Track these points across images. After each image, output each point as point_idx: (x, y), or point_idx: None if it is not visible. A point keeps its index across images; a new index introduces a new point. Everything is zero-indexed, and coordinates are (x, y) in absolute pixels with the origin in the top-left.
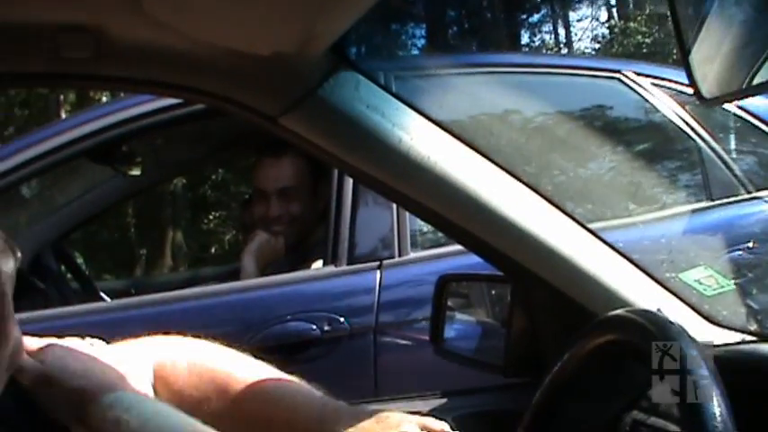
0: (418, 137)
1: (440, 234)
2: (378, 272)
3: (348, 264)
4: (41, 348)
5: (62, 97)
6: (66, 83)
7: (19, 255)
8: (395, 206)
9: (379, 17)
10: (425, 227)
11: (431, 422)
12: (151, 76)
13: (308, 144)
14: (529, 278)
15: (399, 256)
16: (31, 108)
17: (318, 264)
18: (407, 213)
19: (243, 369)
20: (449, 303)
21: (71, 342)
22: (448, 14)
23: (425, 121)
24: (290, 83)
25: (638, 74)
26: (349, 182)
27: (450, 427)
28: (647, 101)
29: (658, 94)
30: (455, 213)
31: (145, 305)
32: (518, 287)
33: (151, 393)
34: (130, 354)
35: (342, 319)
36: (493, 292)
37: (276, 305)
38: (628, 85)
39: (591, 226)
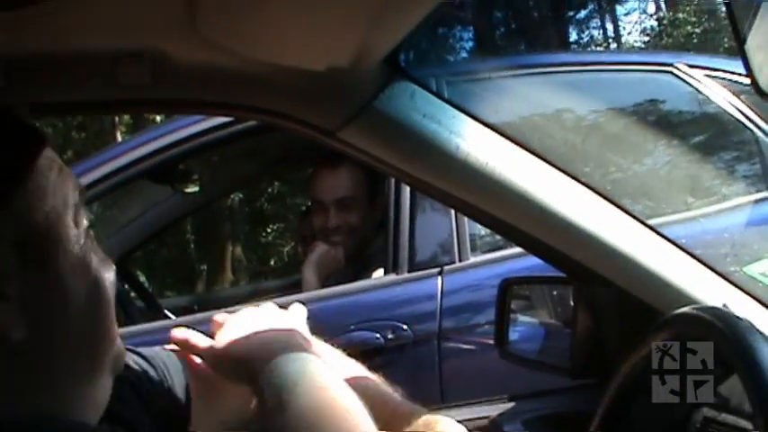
0: (475, 143)
1: (498, 237)
2: (439, 278)
3: (409, 271)
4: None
5: (117, 119)
6: (125, 109)
7: (113, 266)
8: (453, 211)
9: (427, 23)
10: (484, 230)
11: None
12: (208, 97)
13: (366, 156)
14: (591, 278)
15: (460, 261)
16: (88, 131)
17: (379, 272)
18: (466, 218)
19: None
20: (512, 306)
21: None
22: (494, 16)
23: (481, 126)
24: (346, 97)
25: (691, 66)
26: (406, 189)
27: None
28: (700, 93)
29: (712, 86)
30: (515, 217)
31: (209, 321)
32: (581, 288)
33: None
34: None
35: (405, 327)
36: (554, 292)
37: (339, 315)
38: (681, 78)
39: (651, 222)
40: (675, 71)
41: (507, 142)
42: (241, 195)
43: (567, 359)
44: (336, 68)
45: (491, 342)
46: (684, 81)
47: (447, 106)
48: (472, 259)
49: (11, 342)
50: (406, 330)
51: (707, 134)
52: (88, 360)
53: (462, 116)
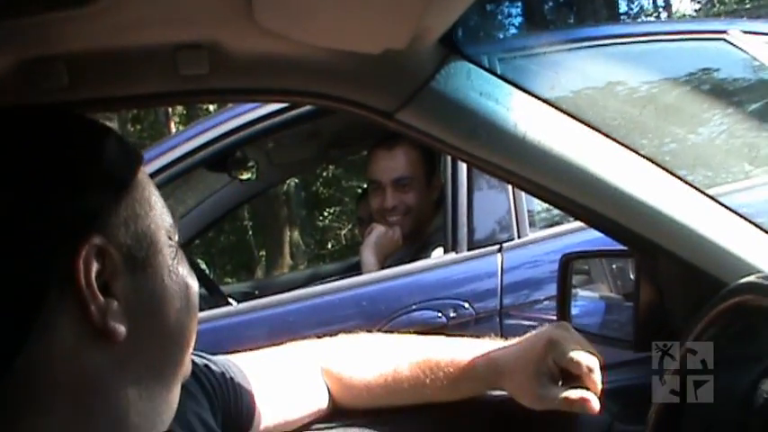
0: (533, 119)
1: (556, 212)
2: (498, 255)
3: (468, 249)
4: None
5: (171, 110)
6: (185, 99)
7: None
8: (510, 188)
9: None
10: (541, 206)
11: None
12: (266, 84)
13: (425, 137)
14: (653, 250)
15: (518, 237)
16: (142, 122)
17: (439, 252)
18: (523, 194)
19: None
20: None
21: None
22: None
23: (538, 102)
24: (402, 78)
25: (745, 32)
26: (463, 168)
27: None
28: (755, 59)
29: (767, 52)
30: (576, 191)
31: (271, 306)
32: (643, 260)
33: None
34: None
35: (466, 305)
36: (614, 266)
37: (400, 296)
38: (734, 45)
39: (710, 191)
40: (729, 38)
41: (565, 117)
42: (297, 180)
43: (629, 332)
44: (393, 51)
45: (552, 317)
46: (738, 48)
47: (503, 84)
48: (531, 235)
49: (112, 340)
50: (467, 308)
51: (763, 101)
52: (174, 364)
53: (519, 93)
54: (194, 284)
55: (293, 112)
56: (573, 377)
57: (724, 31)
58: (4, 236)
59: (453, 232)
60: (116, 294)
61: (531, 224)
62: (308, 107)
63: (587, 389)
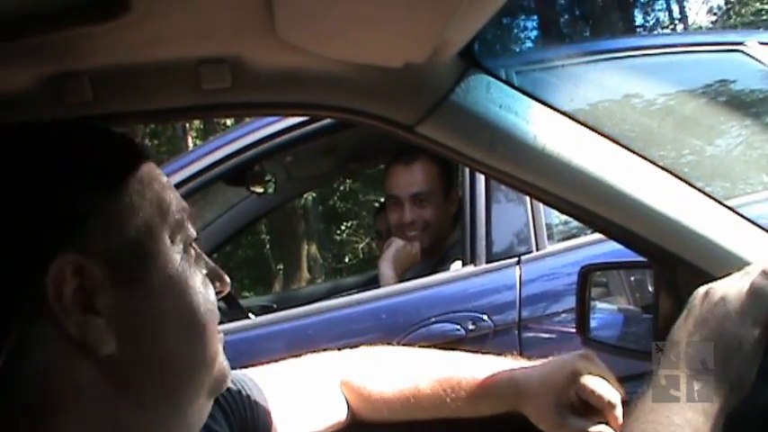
0: (552, 131)
1: (574, 224)
2: (517, 267)
3: (487, 262)
4: None
5: (188, 125)
6: (206, 113)
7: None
8: (528, 200)
9: (496, 14)
10: (559, 218)
11: None
12: (287, 98)
13: (445, 149)
14: (672, 261)
15: (537, 250)
16: (160, 138)
17: (458, 265)
18: (541, 206)
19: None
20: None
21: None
22: (558, 4)
23: (557, 114)
24: (423, 91)
25: (762, 43)
26: (481, 181)
27: None
28: None
29: None
30: (595, 203)
31: (290, 319)
32: (661, 271)
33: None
34: None
35: (485, 318)
36: (632, 278)
37: (419, 309)
38: (751, 56)
39: (728, 203)
40: (745, 49)
41: (584, 129)
42: (314, 194)
43: (648, 344)
44: (413, 64)
45: (571, 330)
46: (755, 59)
47: (522, 96)
48: (549, 248)
49: (99, 356)
50: (486, 321)
51: None
52: (182, 382)
53: (538, 105)
54: (207, 295)
55: (311, 127)
56: (594, 410)
57: (741, 43)
58: None
59: (472, 245)
60: (99, 310)
61: (550, 236)
62: (325, 121)
63: (608, 423)
